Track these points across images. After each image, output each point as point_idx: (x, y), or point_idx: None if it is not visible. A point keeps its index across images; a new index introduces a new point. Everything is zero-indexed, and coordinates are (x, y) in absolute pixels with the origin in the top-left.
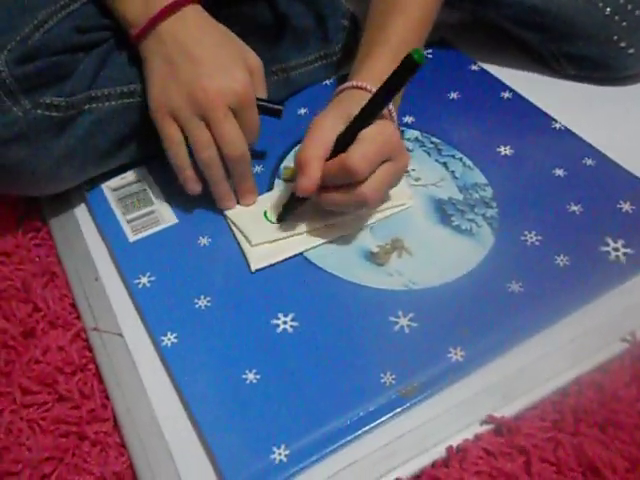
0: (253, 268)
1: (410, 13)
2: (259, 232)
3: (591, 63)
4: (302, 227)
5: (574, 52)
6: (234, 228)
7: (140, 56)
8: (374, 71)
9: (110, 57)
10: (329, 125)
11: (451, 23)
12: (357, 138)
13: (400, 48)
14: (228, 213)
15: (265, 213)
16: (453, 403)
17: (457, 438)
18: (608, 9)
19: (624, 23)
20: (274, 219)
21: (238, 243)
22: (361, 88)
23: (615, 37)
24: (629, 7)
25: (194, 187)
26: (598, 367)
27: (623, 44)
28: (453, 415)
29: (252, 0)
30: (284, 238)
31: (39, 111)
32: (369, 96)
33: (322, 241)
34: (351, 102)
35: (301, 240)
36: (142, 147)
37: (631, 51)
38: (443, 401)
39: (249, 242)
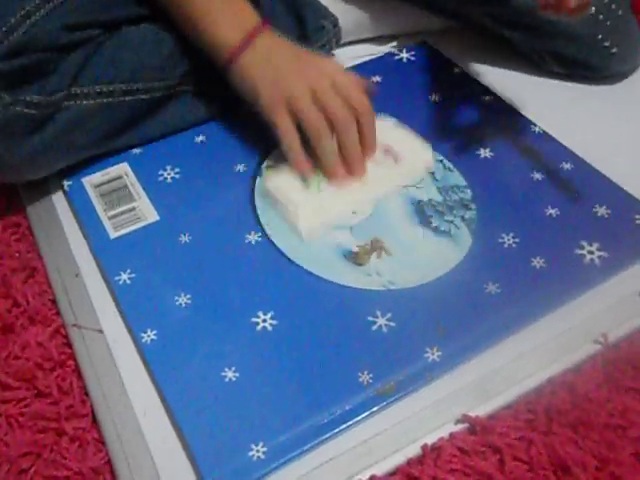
0: (305, 232)
1: None
2: (302, 197)
3: (575, 62)
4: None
5: (559, 50)
6: (278, 203)
7: (235, 75)
8: None
9: (94, 56)
10: None
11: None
12: None
13: None
14: (270, 187)
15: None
16: (429, 402)
17: (432, 436)
18: (593, 8)
19: (608, 22)
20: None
21: (286, 218)
22: None
23: (599, 36)
24: (613, 6)
25: (308, 172)
26: (571, 368)
27: (607, 43)
28: (428, 414)
29: None
30: (326, 200)
31: (18, 108)
32: None
33: (360, 206)
34: None
35: (343, 201)
36: (119, 142)
37: (614, 50)
38: (419, 400)
39: (295, 208)
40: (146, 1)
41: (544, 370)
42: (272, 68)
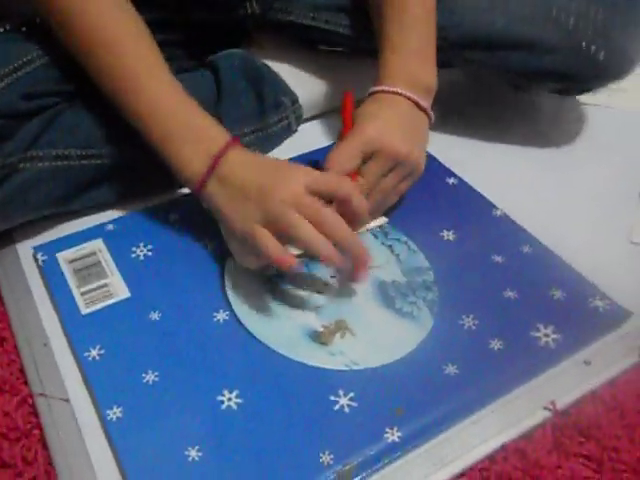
0: None
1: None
2: None
3: (563, 76)
4: None
5: (545, 68)
6: None
7: (204, 201)
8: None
9: (54, 122)
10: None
11: None
12: None
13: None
14: None
15: None
16: (385, 471)
17: None
18: (572, 19)
19: (589, 30)
20: None
21: None
22: (392, 92)
23: (584, 43)
24: (591, 12)
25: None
26: (522, 434)
27: (593, 48)
28: None
29: (196, 70)
30: None
31: None
32: (400, 99)
33: None
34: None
35: None
36: (74, 204)
37: (601, 56)
38: None
39: None
40: None
41: (496, 437)
42: (239, 192)
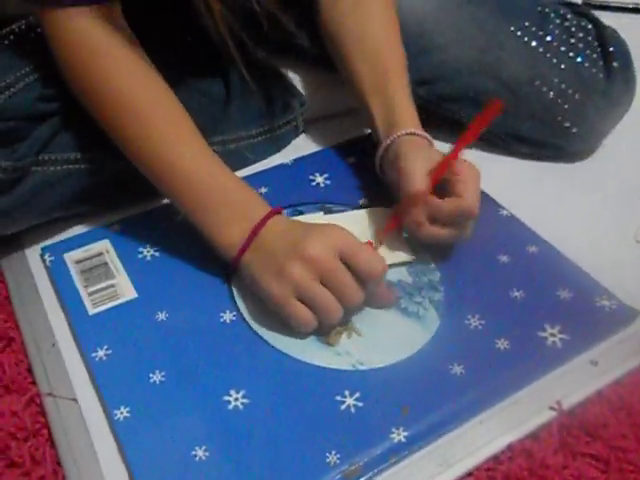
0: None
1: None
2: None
3: (537, 142)
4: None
5: (519, 133)
6: None
7: (242, 271)
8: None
9: (66, 125)
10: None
11: None
12: (458, 179)
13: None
14: None
15: None
16: (391, 471)
17: None
18: (551, 93)
19: (566, 106)
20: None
21: None
22: (419, 135)
23: (559, 118)
24: (570, 91)
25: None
26: (528, 434)
27: (567, 124)
28: None
29: (205, 74)
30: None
31: None
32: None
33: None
34: (423, 148)
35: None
36: (85, 206)
37: (575, 130)
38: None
39: None
40: None
41: (502, 437)
42: (272, 259)
